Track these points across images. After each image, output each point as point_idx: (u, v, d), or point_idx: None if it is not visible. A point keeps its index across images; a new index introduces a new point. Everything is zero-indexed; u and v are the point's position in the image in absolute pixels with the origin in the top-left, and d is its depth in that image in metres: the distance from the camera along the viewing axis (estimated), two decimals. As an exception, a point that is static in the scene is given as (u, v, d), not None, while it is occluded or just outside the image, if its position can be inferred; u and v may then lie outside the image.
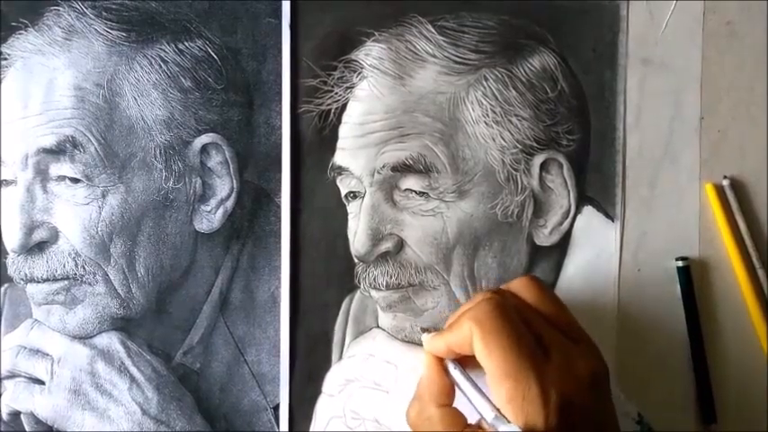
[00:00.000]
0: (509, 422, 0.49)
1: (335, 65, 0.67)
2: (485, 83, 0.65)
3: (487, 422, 0.50)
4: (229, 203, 0.68)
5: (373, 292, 0.67)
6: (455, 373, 0.55)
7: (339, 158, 0.67)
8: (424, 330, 0.59)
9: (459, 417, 0.54)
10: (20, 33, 0.67)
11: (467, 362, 0.55)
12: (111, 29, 0.67)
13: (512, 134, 0.65)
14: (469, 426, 0.53)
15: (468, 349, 0.53)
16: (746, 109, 0.67)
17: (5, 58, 0.67)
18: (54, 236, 0.66)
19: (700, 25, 0.67)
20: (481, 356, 0.51)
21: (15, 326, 0.68)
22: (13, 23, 0.67)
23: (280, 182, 0.68)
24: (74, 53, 0.66)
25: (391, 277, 0.66)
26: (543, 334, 0.52)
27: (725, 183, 0.67)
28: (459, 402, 0.54)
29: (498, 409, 0.50)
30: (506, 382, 0.49)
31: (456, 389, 0.55)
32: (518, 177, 0.66)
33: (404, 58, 0.66)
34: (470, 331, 0.52)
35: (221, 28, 0.68)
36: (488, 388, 0.51)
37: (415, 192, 0.65)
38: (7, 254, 0.67)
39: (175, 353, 0.68)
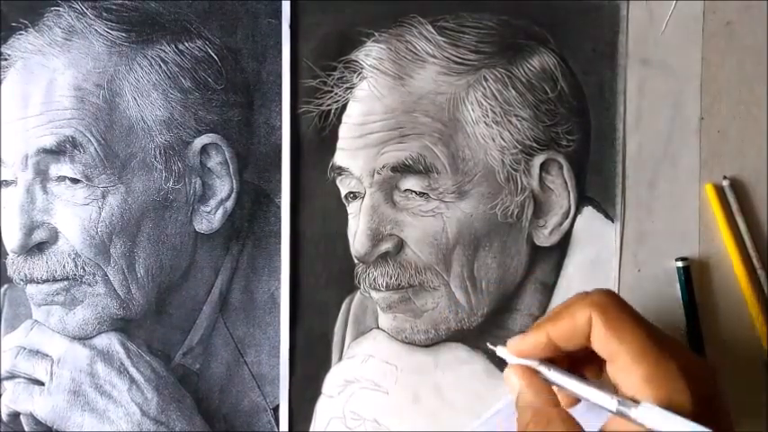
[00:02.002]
0: (637, 403, 0.46)
1: (335, 65, 0.67)
2: (484, 83, 0.65)
3: (611, 411, 0.47)
4: (229, 204, 0.68)
5: (373, 293, 0.67)
6: (553, 374, 0.51)
7: (339, 159, 0.67)
8: (496, 345, 0.55)
9: (575, 420, 0.50)
10: (20, 34, 0.67)
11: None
12: (111, 29, 0.67)
13: (511, 134, 0.65)
14: None
15: (579, 339, 0.50)
16: (746, 109, 0.67)
17: (6, 59, 0.67)
18: (54, 236, 0.66)
19: (700, 25, 0.67)
20: (607, 341, 0.48)
21: (15, 326, 0.68)
22: (14, 24, 0.67)
23: (279, 182, 0.68)
24: (74, 53, 0.66)
25: (391, 278, 0.66)
26: (655, 328, 0.50)
27: (725, 183, 0.67)
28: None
29: (628, 398, 0.47)
30: (643, 363, 0.47)
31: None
32: (518, 178, 0.65)
33: (404, 58, 0.66)
34: (589, 319, 0.49)
35: (221, 28, 0.68)
36: (613, 378, 0.49)
37: (415, 192, 0.65)
38: (7, 254, 0.67)
39: (175, 354, 0.68)
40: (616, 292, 0.51)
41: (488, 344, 0.57)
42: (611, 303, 0.50)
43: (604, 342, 0.49)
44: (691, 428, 0.44)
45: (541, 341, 0.51)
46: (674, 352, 0.48)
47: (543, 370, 0.52)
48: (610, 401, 0.47)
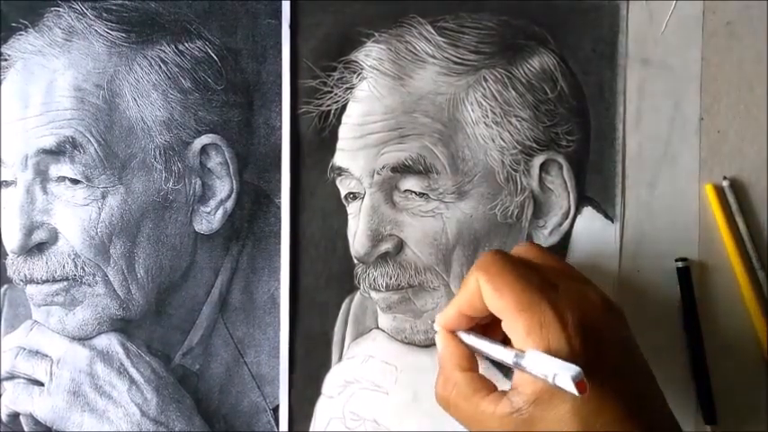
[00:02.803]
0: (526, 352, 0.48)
1: (335, 66, 0.67)
2: (484, 84, 0.65)
3: (510, 364, 0.50)
4: (229, 204, 0.68)
5: (373, 293, 0.67)
6: (469, 338, 0.55)
7: (339, 159, 0.67)
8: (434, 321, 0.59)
9: (486, 381, 0.53)
10: (20, 34, 0.67)
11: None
12: (111, 30, 0.67)
13: (511, 135, 0.65)
14: (497, 389, 0.52)
15: (478, 304, 0.53)
16: (746, 109, 0.67)
17: (6, 59, 0.67)
18: (54, 237, 0.66)
19: (700, 25, 0.67)
20: (492, 300, 0.51)
21: (15, 327, 0.68)
22: (14, 24, 0.67)
23: (279, 183, 0.68)
24: (74, 54, 0.66)
25: (391, 278, 0.66)
26: (549, 273, 0.53)
27: (725, 183, 0.67)
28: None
29: (518, 350, 0.50)
30: (521, 316, 0.49)
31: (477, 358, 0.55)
32: (518, 178, 0.65)
33: (403, 58, 0.66)
34: (477, 282, 0.52)
35: (221, 28, 0.68)
36: (507, 333, 0.51)
37: (415, 193, 0.65)
38: (7, 255, 0.67)
39: (175, 354, 0.68)
40: (501, 250, 0.55)
41: (430, 320, 0.65)
42: (493, 262, 0.52)
43: (491, 301, 0.52)
44: (563, 368, 0.45)
45: (453, 314, 0.55)
46: (555, 297, 0.50)
47: (463, 336, 0.56)
48: (508, 355, 0.50)
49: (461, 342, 0.56)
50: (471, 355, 0.56)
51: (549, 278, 0.52)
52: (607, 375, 0.48)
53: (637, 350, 0.53)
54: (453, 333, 0.56)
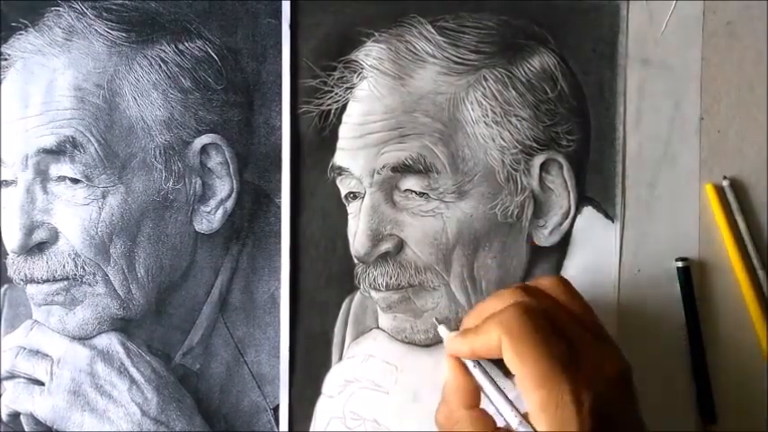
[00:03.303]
0: (535, 430, 0.49)
1: (335, 65, 0.67)
2: (484, 83, 0.65)
3: (512, 427, 0.51)
4: (229, 204, 0.68)
5: (373, 293, 0.67)
6: (476, 373, 0.55)
7: (339, 159, 0.67)
8: (440, 322, 0.59)
9: (488, 418, 0.54)
10: (20, 34, 0.67)
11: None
12: (112, 29, 0.67)
13: (511, 134, 0.65)
14: (498, 429, 0.53)
15: (495, 354, 0.52)
16: (746, 109, 0.67)
17: (6, 59, 0.67)
18: (54, 236, 0.66)
19: (700, 25, 0.67)
20: (512, 364, 0.51)
21: (15, 326, 0.68)
22: (14, 24, 0.67)
23: (279, 182, 0.68)
24: (74, 54, 0.66)
25: (391, 278, 0.66)
26: (572, 336, 0.52)
27: (725, 183, 0.67)
28: (485, 402, 0.55)
29: (523, 415, 0.50)
30: (539, 391, 0.49)
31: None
32: (518, 178, 0.65)
33: (403, 58, 0.66)
34: (499, 338, 0.51)
35: (221, 28, 0.68)
36: (516, 389, 0.51)
37: (415, 192, 0.65)
38: (7, 254, 0.67)
39: (175, 354, 0.68)
40: (527, 306, 0.53)
41: (434, 318, 0.62)
42: (517, 325, 0.51)
43: (511, 364, 0.51)
44: None
45: (464, 350, 0.55)
46: (576, 374, 0.50)
47: (469, 365, 0.55)
48: (513, 418, 0.51)
49: (468, 374, 0.55)
50: (476, 391, 0.55)
51: (572, 340, 0.51)
52: None
53: (640, 423, 0.53)
54: (461, 363, 0.56)
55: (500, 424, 0.53)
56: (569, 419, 0.48)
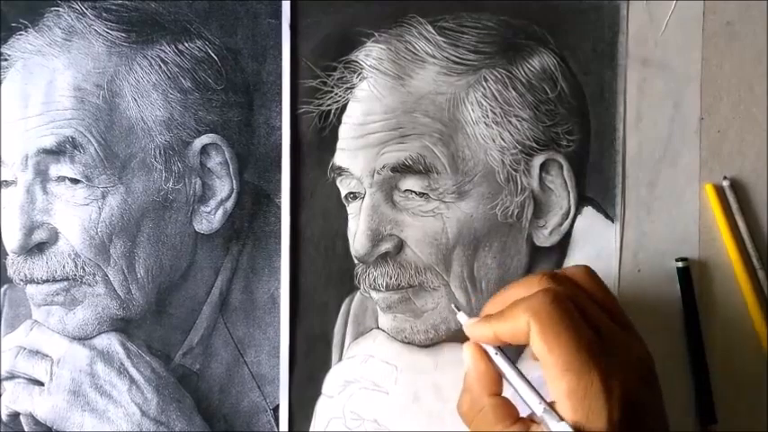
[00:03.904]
0: (560, 418, 0.48)
1: (335, 65, 0.67)
2: (484, 83, 0.65)
3: (536, 415, 0.50)
4: (229, 204, 0.68)
5: (373, 293, 0.67)
6: (499, 360, 0.54)
7: (339, 159, 0.67)
8: (460, 309, 0.58)
9: (511, 407, 0.52)
10: (20, 34, 0.67)
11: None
12: (111, 29, 0.67)
13: (511, 135, 0.65)
14: (522, 419, 0.52)
15: (521, 340, 0.51)
16: (746, 109, 0.67)
17: (6, 59, 0.67)
18: (54, 237, 0.66)
19: (700, 25, 0.67)
20: (540, 350, 0.50)
21: (15, 326, 0.68)
22: (14, 24, 0.67)
23: (279, 182, 0.68)
24: (74, 54, 0.66)
25: (391, 278, 0.66)
26: (600, 324, 0.51)
27: (725, 183, 0.67)
28: (507, 390, 0.54)
29: (548, 403, 0.49)
30: (567, 376, 0.48)
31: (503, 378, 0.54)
32: (518, 178, 0.65)
33: (403, 58, 0.66)
34: (527, 324, 0.50)
35: (221, 28, 0.68)
36: (532, 373, 0.51)
37: (415, 192, 0.65)
38: (7, 255, 0.67)
39: (175, 354, 0.68)
40: (557, 292, 0.52)
41: (453, 305, 0.59)
42: (546, 310, 0.50)
43: (537, 349, 0.50)
44: None
45: (489, 335, 0.53)
46: (605, 362, 0.49)
47: (491, 353, 0.54)
48: (537, 405, 0.50)
49: (491, 362, 0.54)
50: (499, 378, 0.54)
51: (600, 328, 0.51)
52: None
53: (663, 413, 0.52)
54: (482, 350, 0.54)
55: (523, 414, 0.52)
56: (598, 408, 0.47)
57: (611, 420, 0.47)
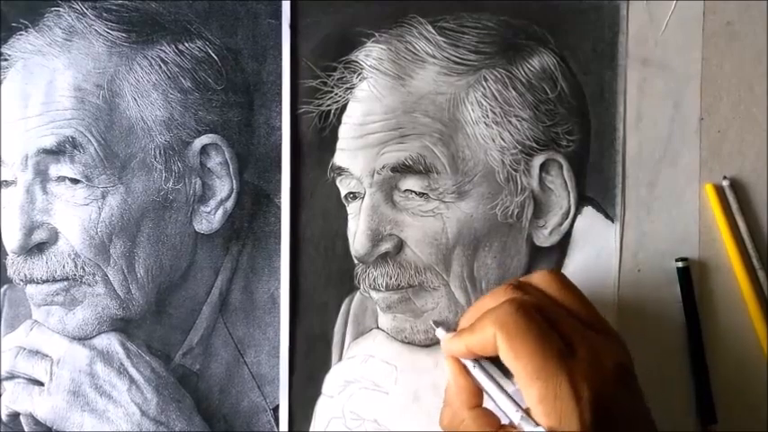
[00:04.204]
0: (536, 424, 0.49)
1: (335, 66, 0.67)
2: (484, 83, 0.65)
3: (513, 423, 0.51)
4: (229, 204, 0.68)
5: (373, 293, 0.67)
6: (476, 373, 0.55)
7: (339, 159, 0.67)
8: (438, 324, 0.59)
9: (492, 417, 0.54)
10: (20, 34, 0.67)
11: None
12: (112, 29, 0.67)
13: (511, 135, 0.65)
14: (503, 427, 0.53)
15: (491, 351, 0.52)
16: (746, 109, 0.67)
17: (6, 59, 0.67)
18: (54, 237, 0.66)
19: (700, 25, 0.67)
20: (507, 359, 0.51)
21: (15, 327, 0.68)
22: (14, 24, 0.67)
23: (279, 182, 0.68)
24: (74, 54, 0.66)
25: (391, 278, 0.66)
26: (567, 330, 0.52)
27: (725, 183, 0.67)
28: (487, 402, 0.55)
29: (525, 409, 0.50)
30: (536, 383, 0.49)
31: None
32: (518, 178, 0.65)
33: (403, 58, 0.66)
34: (494, 335, 0.51)
35: (221, 28, 0.68)
36: (514, 385, 0.52)
37: (415, 192, 0.65)
38: (7, 255, 0.67)
39: (175, 354, 0.68)
40: (521, 301, 0.52)
41: (431, 320, 0.61)
42: (513, 320, 0.51)
43: (506, 360, 0.51)
44: None
45: (461, 350, 0.55)
46: (573, 366, 0.50)
47: (469, 366, 0.55)
48: (514, 413, 0.51)
49: (469, 374, 0.55)
50: (478, 391, 0.55)
51: (568, 334, 0.52)
52: None
53: (644, 413, 0.53)
54: (460, 364, 0.56)
55: (504, 421, 0.53)
56: (568, 411, 0.48)
57: (582, 423, 0.48)
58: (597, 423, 0.48)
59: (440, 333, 0.58)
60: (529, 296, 0.54)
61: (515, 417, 0.51)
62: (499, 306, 0.53)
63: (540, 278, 0.56)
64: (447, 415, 0.56)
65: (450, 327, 0.59)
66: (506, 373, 0.54)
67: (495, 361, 0.54)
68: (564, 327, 0.52)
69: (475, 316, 0.55)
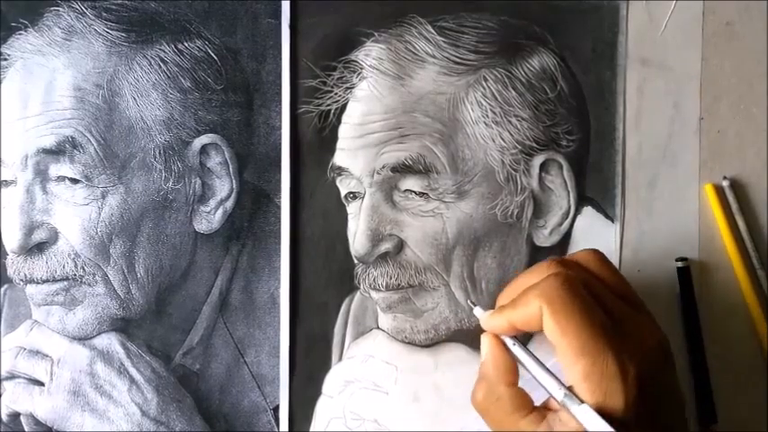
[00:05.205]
0: (580, 401, 0.48)
1: (335, 65, 0.67)
2: (484, 83, 0.65)
3: (557, 400, 0.50)
4: (229, 204, 0.68)
5: (373, 293, 0.67)
6: (516, 349, 0.54)
7: (339, 159, 0.67)
8: (475, 304, 0.58)
9: (527, 397, 0.53)
10: (20, 34, 0.67)
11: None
12: (111, 29, 0.67)
13: (511, 135, 0.65)
14: (537, 408, 0.52)
15: (535, 326, 0.51)
16: (746, 109, 0.67)
17: (5, 59, 0.67)
18: (54, 236, 0.66)
19: (699, 25, 0.67)
20: (553, 334, 0.50)
21: (15, 327, 0.68)
22: (13, 24, 0.67)
23: (279, 182, 0.68)
24: (73, 53, 0.66)
25: (391, 278, 0.66)
26: (612, 307, 0.51)
27: (725, 183, 0.67)
28: (522, 382, 0.54)
29: (568, 387, 0.49)
30: (582, 360, 0.48)
31: (519, 367, 0.54)
32: (518, 178, 0.66)
33: (403, 58, 0.66)
34: (540, 309, 0.50)
35: (221, 28, 0.68)
36: (557, 364, 0.51)
37: (415, 192, 0.65)
38: (7, 255, 0.67)
39: (175, 354, 0.68)
40: (567, 276, 0.52)
41: (469, 301, 0.60)
42: (559, 294, 0.51)
43: (550, 334, 0.50)
44: None
45: (503, 325, 0.54)
46: (619, 343, 0.49)
47: (508, 342, 0.54)
48: (557, 391, 0.50)
49: (508, 351, 0.54)
50: (515, 367, 0.54)
51: (613, 311, 0.51)
52: (654, 427, 0.49)
53: (679, 392, 0.53)
54: (500, 340, 0.54)
55: (537, 403, 0.52)
56: (615, 389, 0.48)
57: (627, 401, 0.48)
58: (641, 402, 0.48)
59: (477, 311, 0.57)
60: (573, 272, 0.53)
61: (558, 394, 0.49)
62: (544, 280, 0.52)
63: (583, 256, 0.55)
64: (482, 389, 0.54)
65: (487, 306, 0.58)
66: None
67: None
68: (609, 304, 0.52)
69: (516, 292, 0.54)
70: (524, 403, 0.52)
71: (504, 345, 0.54)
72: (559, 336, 0.50)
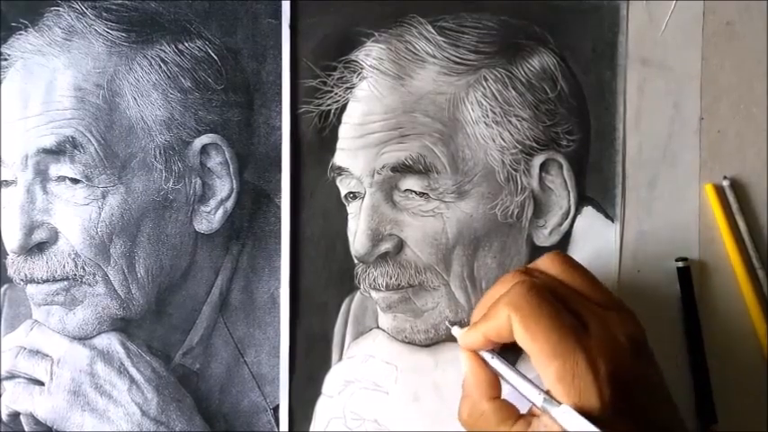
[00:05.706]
0: (559, 403, 0.49)
1: (335, 65, 0.67)
2: (484, 83, 0.65)
3: (537, 406, 0.51)
4: (229, 204, 0.68)
5: (373, 293, 0.67)
6: (494, 363, 0.55)
7: (339, 159, 0.67)
8: (453, 324, 0.60)
9: (511, 408, 0.54)
10: (20, 34, 0.67)
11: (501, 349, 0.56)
12: (111, 29, 0.67)
13: (511, 134, 0.65)
14: (522, 416, 0.53)
15: (507, 336, 0.52)
16: (746, 109, 0.67)
17: (5, 59, 0.67)
18: (54, 236, 0.66)
19: (699, 25, 0.67)
20: (523, 341, 0.51)
21: (15, 326, 0.68)
22: (13, 24, 0.67)
23: (279, 182, 0.68)
24: (74, 53, 0.66)
25: (391, 278, 0.66)
26: (579, 308, 0.52)
27: (725, 183, 0.67)
28: (505, 394, 0.55)
29: (546, 392, 0.50)
30: (553, 363, 0.49)
31: (500, 379, 0.55)
32: (518, 178, 0.66)
33: (403, 58, 0.66)
34: (508, 318, 0.52)
35: (221, 28, 0.68)
36: (533, 371, 0.52)
37: (415, 192, 0.65)
38: (7, 254, 0.67)
39: (175, 354, 0.68)
40: (531, 283, 0.53)
41: (447, 322, 0.64)
42: (525, 301, 0.52)
43: (521, 341, 0.51)
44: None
45: (479, 339, 0.55)
46: (588, 342, 0.50)
47: (486, 357, 0.56)
48: (537, 396, 0.51)
49: (486, 366, 0.56)
50: (497, 381, 0.55)
51: (580, 312, 0.52)
52: (635, 420, 0.49)
53: (661, 383, 0.53)
54: (478, 355, 0.56)
55: (523, 411, 0.53)
56: (588, 387, 0.49)
57: (602, 398, 0.48)
58: (616, 397, 0.49)
59: (455, 331, 0.59)
60: (538, 278, 0.54)
61: (538, 399, 0.51)
62: (510, 289, 0.53)
63: (545, 262, 0.56)
64: (466, 407, 0.56)
65: (464, 325, 0.59)
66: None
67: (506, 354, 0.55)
68: (574, 305, 0.52)
69: (487, 305, 0.55)
70: (508, 414, 0.53)
71: (483, 360, 0.56)
72: (530, 341, 0.51)
